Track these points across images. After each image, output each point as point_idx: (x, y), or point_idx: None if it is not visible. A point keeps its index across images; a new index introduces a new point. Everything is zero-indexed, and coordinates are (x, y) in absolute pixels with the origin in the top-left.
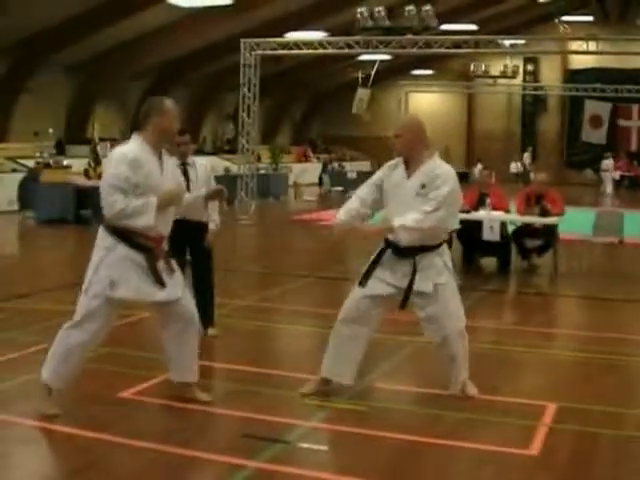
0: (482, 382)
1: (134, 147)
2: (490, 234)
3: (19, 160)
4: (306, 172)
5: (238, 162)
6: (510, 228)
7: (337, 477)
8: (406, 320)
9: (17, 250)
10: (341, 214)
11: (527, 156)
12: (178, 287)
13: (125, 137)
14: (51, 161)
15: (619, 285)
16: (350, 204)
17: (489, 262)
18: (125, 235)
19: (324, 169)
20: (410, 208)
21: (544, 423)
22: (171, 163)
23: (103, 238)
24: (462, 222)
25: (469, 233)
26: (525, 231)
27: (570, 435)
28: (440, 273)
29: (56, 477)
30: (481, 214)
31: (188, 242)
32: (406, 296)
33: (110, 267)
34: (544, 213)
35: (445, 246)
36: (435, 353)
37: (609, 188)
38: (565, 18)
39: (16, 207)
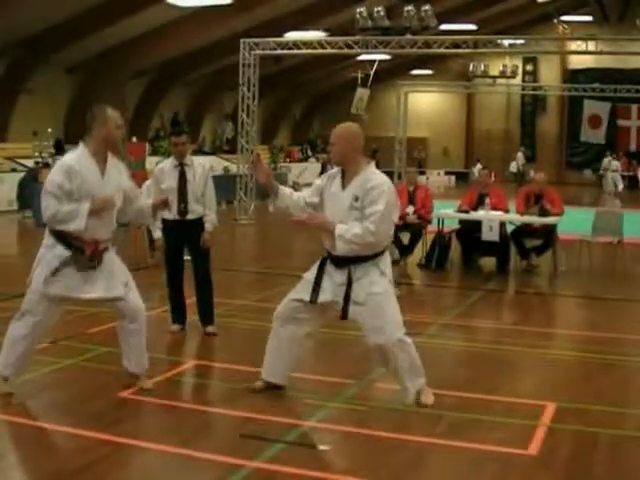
0: (481, 382)
1: (74, 156)
2: (489, 234)
3: (18, 160)
4: (305, 172)
5: (237, 162)
6: (509, 228)
7: (337, 477)
8: (406, 320)
9: (16, 250)
10: (286, 191)
11: (520, 156)
12: (118, 286)
13: (124, 137)
14: (50, 161)
15: (618, 285)
16: (296, 193)
17: (488, 262)
18: (62, 236)
19: (323, 169)
20: (345, 220)
21: (543, 423)
22: (116, 169)
23: (46, 237)
24: (461, 222)
25: (468, 233)
26: (524, 231)
27: (569, 435)
28: (375, 283)
29: (56, 477)
30: (480, 214)
31: (186, 242)
32: (345, 306)
33: (47, 264)
34: (543, 213)
35: (385, 254)
36: (435, 353)
37: (620, 186)
38: (564, 18)
39: (15, 207)
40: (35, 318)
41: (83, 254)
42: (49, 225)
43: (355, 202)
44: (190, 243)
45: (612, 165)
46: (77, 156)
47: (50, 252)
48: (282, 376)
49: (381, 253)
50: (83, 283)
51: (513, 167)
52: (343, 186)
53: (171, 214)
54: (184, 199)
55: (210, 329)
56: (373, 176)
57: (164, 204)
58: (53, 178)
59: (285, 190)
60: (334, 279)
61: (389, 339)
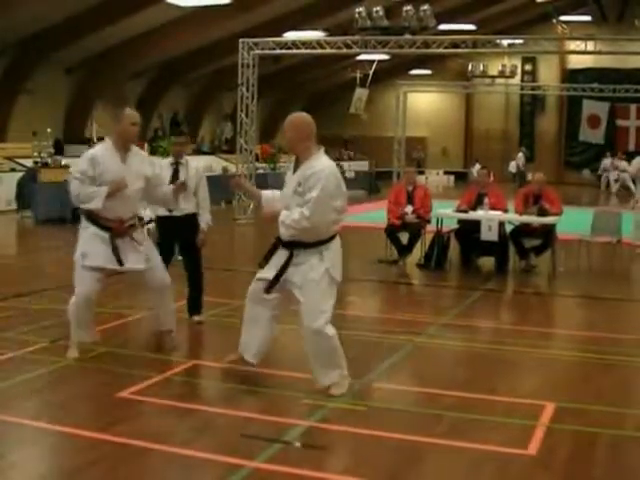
0: (480, 382)
1: (99, 148)
2: (488, 234)
3: (17, 160)
4: None
5: (236, 162)
6: (508, 228)
7: (336, 477)
8: (405, 320)
9: (15, 250)
10: (268, 196)
11: (520, 157)
12: (143, 260)
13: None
14: (49, 161)
15: (617, 285)
16: (278, 192)
17: (487, 262)
18: (92, 218)
19: None
20: (290, 205)
21: (542, 423)
22: (138, 158)
23: (82, 220)
24: (460, 222)
25: (467, 233)
26: (523, 231)
27: (568, 435)
28: (312, 270)
29: (56, 477)
30: (479, 214)
31: (177, 238)
32: (273, 282)
33: (83, 242)
34: (542, 213)
35: (330, 244)
36: (434, 353)
37: (632, 186)
38: (563, 18)
39: (14, 207)
40: (81, 289)
41: (115, 234)
42: (78, 205)
43: (298, 187)
44: (180, 239)
45: (621, 165)
46: (101, 147)
47: (85, 231)
48: (252, 353)
49: (326, 242)
50: (119, 257)
51: (512, 167)
52: (294, 172)
53: (161, 210)
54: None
55: (197, 318)
56: (316, 162)
57: (183, 187)
58: (79, 165)
59: (267, 195)
60: (280, 261)
61: (309, 325)
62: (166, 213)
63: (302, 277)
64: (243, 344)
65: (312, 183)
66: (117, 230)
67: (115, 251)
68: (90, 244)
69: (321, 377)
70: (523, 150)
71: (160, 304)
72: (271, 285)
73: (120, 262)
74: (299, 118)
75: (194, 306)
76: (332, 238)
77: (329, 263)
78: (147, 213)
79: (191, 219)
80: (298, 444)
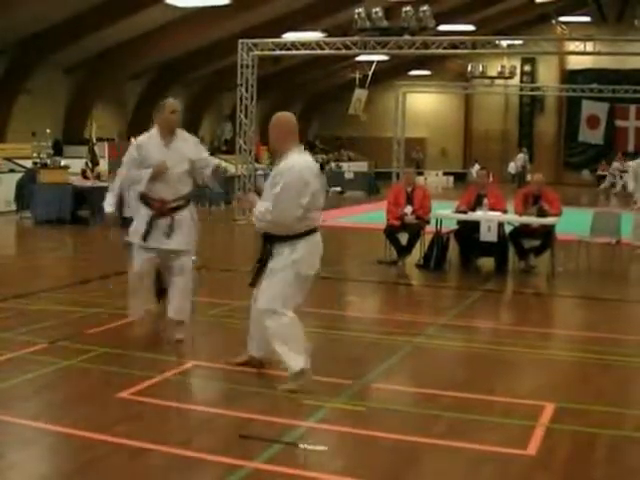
0: (480, 382)
1: (145, 136)
2: (488, 234)
3: (17, 160)
4: None
5: (236, 162)
6: (508, 228)
7: (336, 478)
8: (405, 321)
9: (15, 250)
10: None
11: (521, 157)
12: (184, 243)
13: (122, 138)
14: (49, 161)
15: (616, 285)
16: None
17: (486, 262)
18: (144, 199)
19: (321, 169)
20: (266, 199)
21: (542, 423)
22: (183, 142)
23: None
24: (460, 222)
25: (467, 233)
26: (523, 231)
27: (568, 435)
28: (280, 261)
29: (55, 477)
30: (479, 214)
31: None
32: (255, 275)
33: (136, 222)
34: (542, 213)
35: (305, 239)
36: (433, 354)
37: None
38: (562, 19)
39: (14, 207)
40: (138, 264)
41: (156, 215)
42: (124, 191)
43: (272, 182)
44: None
45: (630, 165)
46: (147, 135)
47: (139, 213)
48: (258, 349)
49: (298, 236)
50: (161, 235)
51: (511, 168)
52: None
53: None
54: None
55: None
56: (288, 159)
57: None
58: (128, 152)
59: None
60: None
61: (260, 306)
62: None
63: (271, 266)
64: (250, 341)
65: (277, 179)
66: (158, 210)
67: (148, 230)
68: (139, 223)
69: (290, 363)
70: (524, 151)
71: (178, 291)
72: (254, 278)
73: (158, 240)
74: (278, 118)
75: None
76: (307, 233)
77: (298, 256)
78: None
79: None
80: (305, 446)
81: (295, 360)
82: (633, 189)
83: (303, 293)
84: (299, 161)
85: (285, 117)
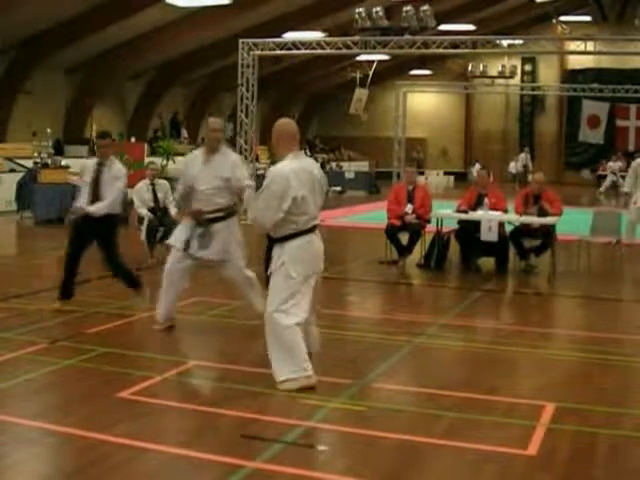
0: (480, 382)
1: (195, 152)
2: (488, 234)
3: (17, 160)
4: None
5: None
6: (508, 228)
7: (336, 478)
8: (405, 320)
9: (15, 250)
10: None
11: (523, 157)
12: (219, 252)
13: (123, 137)
14: (49, 161)
15: (617, 285)
16: None
17: (487, 262)
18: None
19: (322, 169)
20: None
21: (542, 423)
22: (223, 161)
23: None
24: (460, 222)
25: (467, 233)
26: (523, 231)
27: (568, 435)
28: (275, 262)
29: (56, 477)
30: (479, 214)
31: (95, 235)
32: (266, 276)
33: (180, 230)
34: (542, 213)
35: (295, 241)
36: (434, 353)
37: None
38: (563, 18)
39: (14, 207)
40: (168, 266)
41: (195, 223)
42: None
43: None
44: (100, 235)
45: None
46: (197, 151)
47: (182, 221)
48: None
49: (285, 239)
50: (200, 245)
51: (512, 167)
52: None
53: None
54: (96, 194)
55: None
56: (280, 164)
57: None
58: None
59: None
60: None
61: (265, 310)
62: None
63: (271, 269)
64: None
65: (266, 181)
66: (194, 217)
67: (189, 238)
68: (179, 230)
69: (275, 370)
70: (526, 150)
71: (247, 295)
72: (266, 280)
73: (196, 248)
74: (278, 124)
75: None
76: (294, 236)
77: (286, 258)
78: (144, 212)
79: (108, 217)
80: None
81: (280, 369)
82: (630, 189)
83: (304, 295)
84: (288, 167)
85: (283, 124)
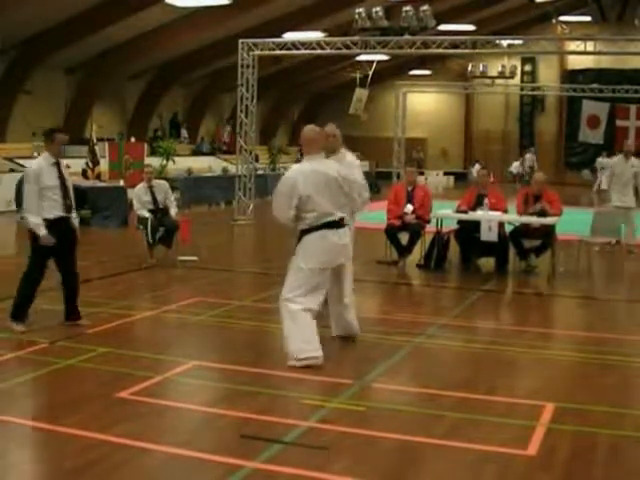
0: (480, 382)
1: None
2: (488, 234)
3: (17, 160)
4: None
5: (236, 162)
6: (508, 228)
7: (336, 478)
8: (405, 320)
9: (15, 250)
10: None
11: (529, 157)
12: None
13: (123, 137)
14: None
15: (617, 285)
16: None
17: (487, 262)
18: None
19: None
20: None
21: (542, 423)
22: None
23: None
24: (460, 222)
25: (467, 233)
26: (523, 231)
27: (568, 435)
28: (293, 253)
29: (56, 477)
30: (479, 214)
31: (66, 239)
32: None
33: None
34: (542, 213)
35: (308, 237)
36: (434, 354)
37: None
38: (563, 18)
39: (14, 207)
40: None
41: None
42: None
43: None
44: (70, 239)
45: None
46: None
47: None
48: (341, 329)
49: (303, 233)
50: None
51: (514, 168)
52: None
53: (57, 211)
54: (68, 195)
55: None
56: (297, 165)
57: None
58: None
59: None
60: None
61: (282, 296)
62: (62, 214)
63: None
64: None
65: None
66: None
67: None
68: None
69: (285, 347)
70: (532, 150)
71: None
72: None
73: None
74: (302, 130)
75: (73, 312)
76: (310, 230)
77: (301, 250)
78: (145, 213)
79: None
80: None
81: (287, 347)
82: (608, 186)
83: (316, 286)
84: (298, 169)
85: (305, 130)
